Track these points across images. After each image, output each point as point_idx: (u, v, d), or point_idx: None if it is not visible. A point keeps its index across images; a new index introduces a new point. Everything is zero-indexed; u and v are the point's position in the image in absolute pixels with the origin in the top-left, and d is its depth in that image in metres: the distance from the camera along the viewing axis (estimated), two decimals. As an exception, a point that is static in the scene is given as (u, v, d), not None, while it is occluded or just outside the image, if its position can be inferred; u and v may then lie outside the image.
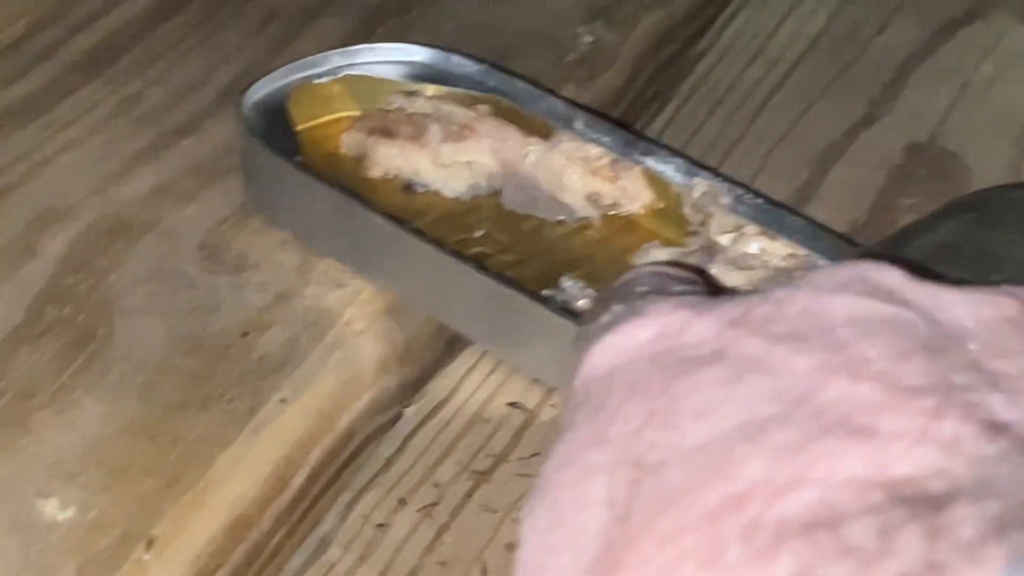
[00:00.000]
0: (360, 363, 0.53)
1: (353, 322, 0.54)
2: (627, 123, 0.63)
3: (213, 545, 0.47)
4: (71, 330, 0.53)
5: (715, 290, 0.34)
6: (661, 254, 0.55)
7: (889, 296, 0.28)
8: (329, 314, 0.54)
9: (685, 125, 0.64)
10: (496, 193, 0.58)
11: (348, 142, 0.59)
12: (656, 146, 0.57)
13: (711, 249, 0.54)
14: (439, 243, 0.53)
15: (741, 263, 0.54)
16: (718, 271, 0.53)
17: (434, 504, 0.47)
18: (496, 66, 0.61)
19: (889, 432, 0.25)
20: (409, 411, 0.51)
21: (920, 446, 0.24)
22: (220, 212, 0.58)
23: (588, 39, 0.69)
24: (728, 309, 0.29)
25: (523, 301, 0.50)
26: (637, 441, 0.27)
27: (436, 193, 0.58)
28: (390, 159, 0.58)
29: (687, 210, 0.55)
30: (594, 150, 0.57)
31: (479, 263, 0.52)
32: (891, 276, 0.29)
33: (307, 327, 0.53)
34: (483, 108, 0.59)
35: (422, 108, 0.59)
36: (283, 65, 0.59)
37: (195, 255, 0.56)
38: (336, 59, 0.61)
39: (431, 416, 0.51)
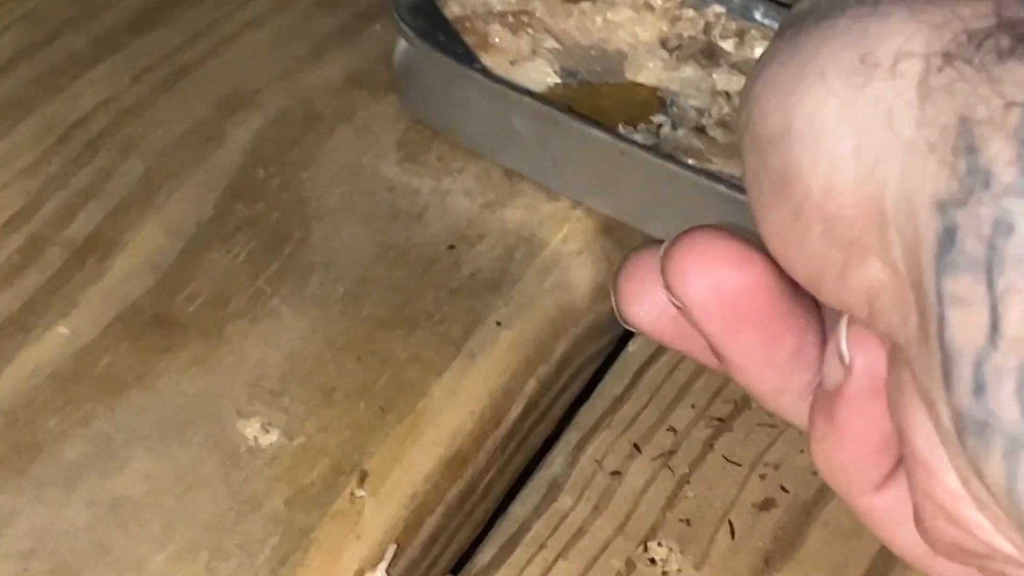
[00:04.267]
0: (576, 286, 0.48)
1: (569, 240, 0.49)
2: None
3: (429, 483, 0.42)
4: (264, 230, 0.48)
5: None
6: (656, 61, 0.52)
7: None
8: (543, 229, 0.49)
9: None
10: (572, 73, 0.52)
11: None
12: None
13: (712, 53, 0.52)
14: (671, 157, 0.48)
15: (744, 68, 0.52)
16: (720, 76, 0.51)
17: (672, 452, 0.43)
18: None
19: None
20: (632, 346, 0.47)
21: None
22: (418, 107, 0.53)
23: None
24: None
25: None
26: None
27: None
28: None
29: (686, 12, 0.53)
30: None
31: (713, 174, 0.47)
32: None
33: (519, 243, 0.49)
34: None
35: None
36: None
37: (393, 154, 0.51)
38: None
39: (660, 352, 0.46)
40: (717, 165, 0.48)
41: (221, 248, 0.47)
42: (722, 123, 0.50)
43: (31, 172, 0.49)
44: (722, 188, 0.46)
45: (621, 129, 0.49)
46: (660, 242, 0.48)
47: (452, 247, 0.48)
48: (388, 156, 0.51)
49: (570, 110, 0.49)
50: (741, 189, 0.46)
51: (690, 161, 0.48)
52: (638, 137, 0.49)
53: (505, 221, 0.49)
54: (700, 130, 0.50)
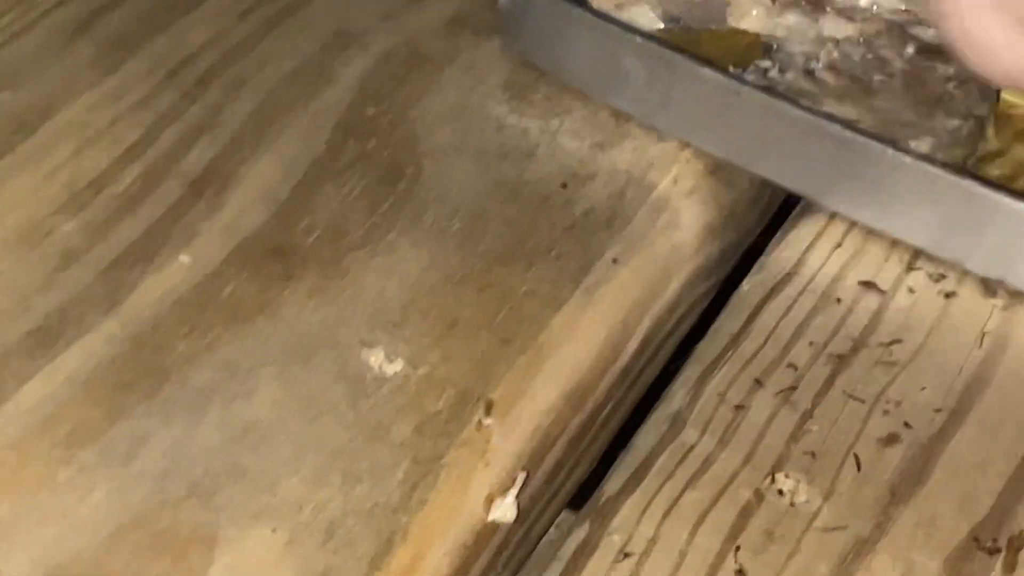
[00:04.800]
0: (687, 226, 0.48)
1: (679, 180, 0.49)
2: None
3: (552, 414, 0.42)
4: (377, 166, 0.48)
5: None
6: (759, 8, 0.52)
7: None
8: (653, 169, 0.49)
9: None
10: (675, 18, 0.52)
11: None
12: None
13: (817, 0, 0.52)
14: (786, 97, 0.48)
15: (850, 14, 0.51)
16: (827, 22, 0.51)
17: (792, 387, 0.43)
18: None
19: None
20: (747, 285, 0.47)
21: None
22: (521, 50, 0.53)
23: None
24: None
25: (878, 149, 0.45)
26: None
27: None
28: None
29: None
30: None
31: (828, 114, 0.47)
32: None
33: (630, 183, 0.49)
34: None
35: None
36: None
37: (500, 94, 0.51)
38: None
39: (775, 292, 0.46)
40: (830, 107, 0.48)
41: (335, 183, 0.47)
42: (832, 67, 0.50)
43: (143, 106, 0.49)
44: (837, 129, 0.46)
45: (731, 71, 0.49)
46: (771, 184, 0.48)
47: (564, 185, 0.48)
48: (495, 96, 0.51)
49: (682, 50, 0.49)
50: (856, 131, 0.46)
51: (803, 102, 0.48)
52: (749, 79, 0.49)
53: (615, 161, 0.49)
54: (809, 73, 0.50)
